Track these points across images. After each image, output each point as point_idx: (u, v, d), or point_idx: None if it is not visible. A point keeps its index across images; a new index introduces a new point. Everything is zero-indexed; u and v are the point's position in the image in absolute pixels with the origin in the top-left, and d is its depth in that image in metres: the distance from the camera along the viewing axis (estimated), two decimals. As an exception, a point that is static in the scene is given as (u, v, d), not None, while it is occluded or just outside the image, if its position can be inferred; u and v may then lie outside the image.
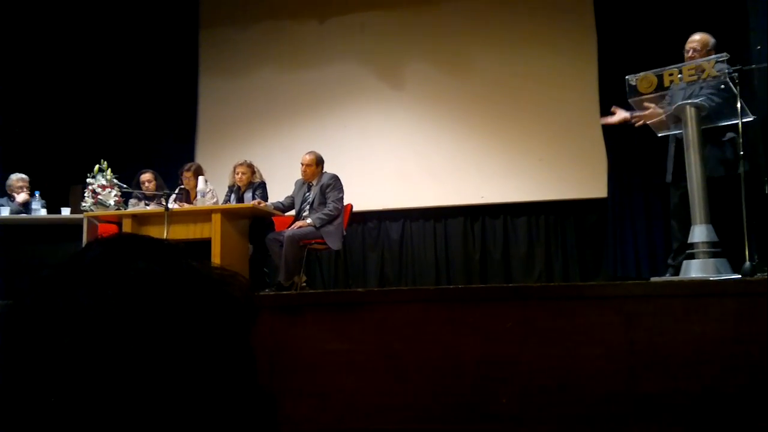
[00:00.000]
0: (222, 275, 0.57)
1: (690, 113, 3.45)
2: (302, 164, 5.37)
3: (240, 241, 5.23)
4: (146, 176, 5.75)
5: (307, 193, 5.38)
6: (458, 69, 6.84)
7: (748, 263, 3.13)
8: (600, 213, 6.35)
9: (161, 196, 5.34)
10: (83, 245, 0.57)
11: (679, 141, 3.78)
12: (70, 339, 0.48)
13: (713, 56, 3.62)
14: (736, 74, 3.38)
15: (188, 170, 5.68)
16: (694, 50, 3.97)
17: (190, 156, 7.07)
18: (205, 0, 7.60)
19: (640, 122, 3.92)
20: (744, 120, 3.41)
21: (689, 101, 3.50)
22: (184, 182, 5.67)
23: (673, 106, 3.59)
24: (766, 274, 3.19)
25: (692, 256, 3.31)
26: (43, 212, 5.54)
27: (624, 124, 4.14)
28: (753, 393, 1.86)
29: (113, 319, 0.49)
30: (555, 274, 6.36)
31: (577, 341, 2.01)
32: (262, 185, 5.59)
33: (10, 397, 0.48)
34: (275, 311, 2.21)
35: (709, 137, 3.71)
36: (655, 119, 3.83)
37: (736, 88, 3.40)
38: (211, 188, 5.53)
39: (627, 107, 3.94)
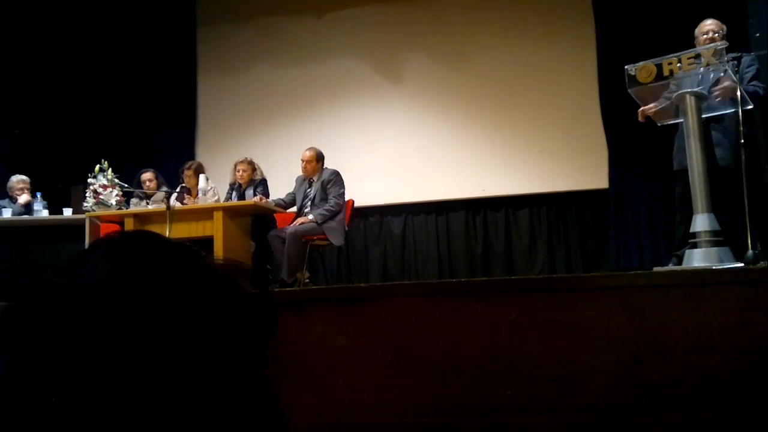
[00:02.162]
0: (241, 288, 0.56)
1: (690, 102, 3.44)
2: (302, 160, 5.37)
3: (242, 239, 5.23)
4: (147, 175, 5.75)
5: (308, 189, 5.38)
6: (457, 62, 6.83)
7: (750, 252, 3.12)
8: (602, 204, 6.35)
9: (162, 195, 5.34)
10: (86, 247, 0.56)
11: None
12: (72, 345, 0.47)
13: (712, 44, 3.61)
14: (736, 61, 3.37)
15: (189, 168, 5.69)
16: (714, 33, 3.93)
17: (190, 154, 7.07)
18: (202, -3, 7.60)
19: (643, 118, 3.93)
20: (744, 108, 3.40)
21: (689, 90, 3.49)
22: (185, 181, 5.68)
23: (675, 95, 3.59)
24: (768, 262, 3.18)
25: (695, 246, 3.31)
26: (44, 213, 5.55)
27: (625, 113, 4.14)
28: (757, 381, 1.86)
29: (125, 331, 0.48)
30: (557, 265, 6.36)
31: (581, 332, 2.01)
32: (263, 182, 5.59)
33: (10, 399, 0.48)
34: (278, 308, 2.22)
35: (721, 128, 3.72)
36: (655, 110, 3.83)
37: (735, 76, 3.39)
38: (213, 186, 5.53)
39: (627, 97, 3.92)
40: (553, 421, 1.99)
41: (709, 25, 4.00)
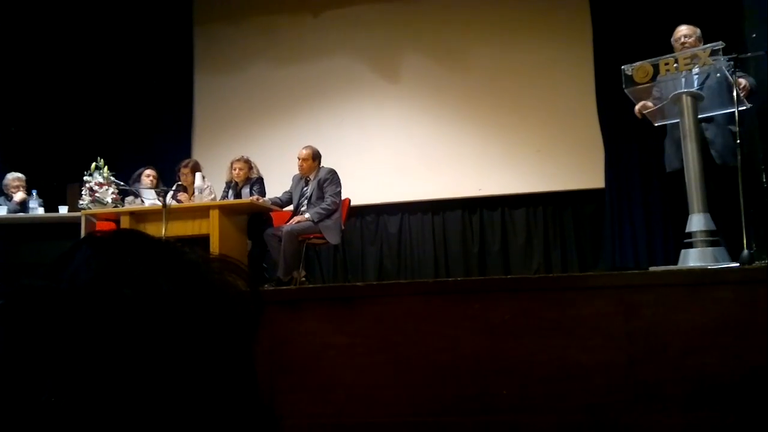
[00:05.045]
0: (228, 284, 0.55)
1: (686, 102, 3.44)
2: (299, 159, 5.36)
3: (238, 237, 5.23)
4: (150, 171, 5.76)
5: (305, 188, 5.37)
6: (454, 61, 6.83)
7: (746, 251, 3.13)
8: (598, 203, 6.36)
9: (158, 192, 5.33)
10: (72, 245, 0.54)
11: None
12: (61, 350, 0.47)
13: (709, 45, 3.61)
14: (732, 62, 3.37)
15: (185, 167, 5.68)
16: (687, 37, 3.99)
17: (186, 153, 7.06)
18: (199, -4, 7.58)
19: (640, 114, 3.94)
20: (740, 108, 3.41)
21: (686, 90, 3.49)
22: (182, 179, 5.67)
23: (670, 95, 3.59)
24: (764, 262, 3.19)
25: (690, 245, 3.31)
26: (40, 211, 5.54)
27: (621, 114, 4.14)
28: (752, 381, 1.86)
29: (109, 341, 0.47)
30: (553, 265, 6.37)
31: (577, 331, 2.01)
32: (260, 181, 5.59)
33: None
34: (274, 306, 2.21)
35: (714, 126, 3.73)
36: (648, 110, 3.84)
37: (732, 77, 3.40)
38: (209, 184, 5.53)
39: (623, 97, 3.92)
40: (548, 420, 1.99)
41: (682, 30, 4.07)
